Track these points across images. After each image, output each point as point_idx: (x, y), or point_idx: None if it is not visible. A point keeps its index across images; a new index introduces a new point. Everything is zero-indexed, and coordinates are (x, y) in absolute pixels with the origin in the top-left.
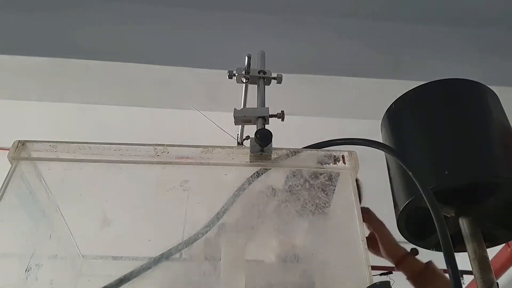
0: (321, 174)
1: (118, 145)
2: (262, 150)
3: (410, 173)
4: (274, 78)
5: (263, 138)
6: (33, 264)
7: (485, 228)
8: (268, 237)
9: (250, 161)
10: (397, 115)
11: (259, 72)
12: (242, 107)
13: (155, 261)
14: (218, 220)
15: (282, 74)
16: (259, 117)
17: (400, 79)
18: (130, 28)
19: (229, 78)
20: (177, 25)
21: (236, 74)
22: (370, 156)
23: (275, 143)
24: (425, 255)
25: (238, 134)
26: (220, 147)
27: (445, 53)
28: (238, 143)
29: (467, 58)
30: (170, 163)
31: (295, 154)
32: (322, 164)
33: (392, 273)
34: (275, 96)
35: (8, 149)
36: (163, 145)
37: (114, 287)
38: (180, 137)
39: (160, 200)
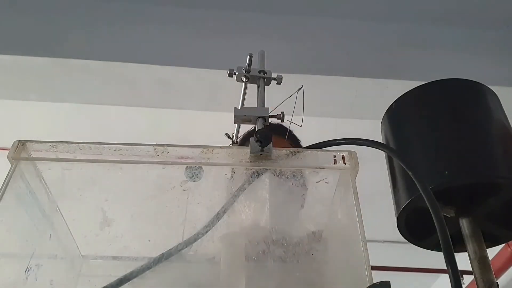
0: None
1: (118, 145)
2: (262, 150)
3: (410, 173)
4: (274, 79)
5: (263, 138)
6: (33, 264)
7: (485, 228)
8: (268, 238)
9: (250, 161)
10: (397, 115)
11: (259, 72)
12: (240, 106)
13: (155, 261)
14: (218, 220)
15: (282, 74)
16: (259, 117)
17: (400, 79)
18: (130, 28)
19: (229, 76)
20: (177, 25)
21: (237, 73)
22: (370, 156)
23: None
24: (426, 254)
25: (233, 133)
26: (220, 147)
27: (445, 53)
28: (234, 142)
29: (467, 58)
30: (170, 163)
31: (295, 154)
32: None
33: None
34: (275, 96)
35: (8, 149)
36: (163, 145)
37: (114, 287)
38: (180, 137)
39: (160, 200)
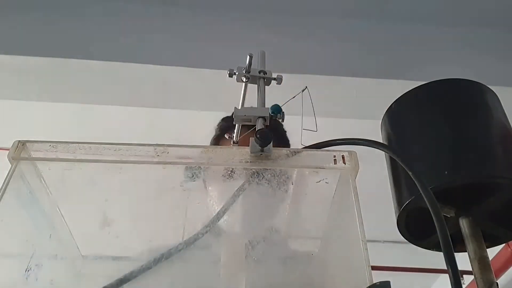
0: None
1: (118, 145)
2: (262, 150)
3: (410, 173)
4: (274, 79)
5: (263, 138)
6: (33, 264)
7: (485, 228)
8: (267, 237)
9: (250, 161)
10: (397, 115)
11: (259, 72)
12: (240, 106)
13: (155, 261)
14: (218, 220)
15: (282, 74)
16: (260, 117)
17: (400, 79)
18: (130, 28)
19: (229, 76)
20: (177, 25)
21: (237, 73)
22: (370, 156)
23: None
24: (426, 255)
25: (233, 134)
26: (220, 147)
27: (445, 53)
28: (234, 142)
29: (466, 58)
30: (170, 163)
31: (295, 154)
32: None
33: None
34: (275, 96)
35: (8, 149)
36: (163, 145)
37: (114, 287)
38: (180, 137)
39: (160, 200)
